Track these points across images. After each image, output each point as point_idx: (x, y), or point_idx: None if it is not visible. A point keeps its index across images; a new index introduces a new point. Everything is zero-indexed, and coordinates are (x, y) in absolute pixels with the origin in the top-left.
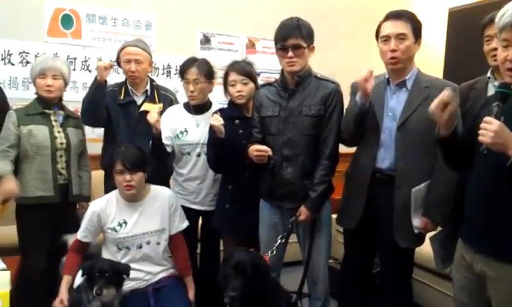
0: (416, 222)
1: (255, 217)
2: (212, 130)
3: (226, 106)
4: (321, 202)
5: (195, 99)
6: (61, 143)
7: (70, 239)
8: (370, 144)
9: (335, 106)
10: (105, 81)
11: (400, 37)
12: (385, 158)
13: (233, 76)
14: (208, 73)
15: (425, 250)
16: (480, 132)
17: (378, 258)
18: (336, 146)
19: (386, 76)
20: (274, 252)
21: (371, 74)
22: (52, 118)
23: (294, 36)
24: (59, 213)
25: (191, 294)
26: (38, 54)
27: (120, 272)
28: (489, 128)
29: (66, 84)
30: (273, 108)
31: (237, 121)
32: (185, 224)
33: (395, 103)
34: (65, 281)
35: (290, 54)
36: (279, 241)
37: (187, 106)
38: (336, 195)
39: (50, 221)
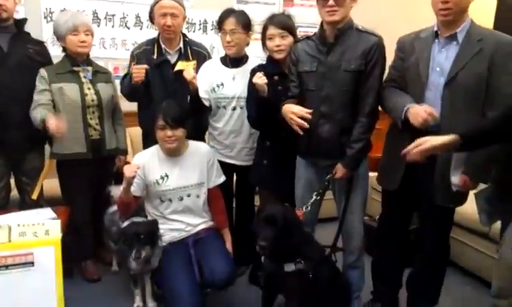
0: (455, 179)
1: (291, 173)
2: (253, 87)
3: (264, 62)
4: (358, 160)
5: (231, 50)
6: (92, 100)
7: (113, 191)
8: (415, 101)
9: (377, 61)
10: (142, 81)
11: None
12: None
13: (271, 30)
14: (245, 24)
15: (465, 209)
16: None
17: (417, 215)
18: (375, 103)
19: (435, 28)
20: (309, 208)
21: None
22: (81, 74)
23: None
24: (97, 167)
25: (228, 245)
26: (78, 11)
27: (152, 230)
28: None
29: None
30: (311, 63)
31: (275, 78)
32: (222, 178)
33: (444, 58)
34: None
35: (331, 2)
36: (314, 197)
37: (223, 60)
38: (374, 153)
39: (88, 175)
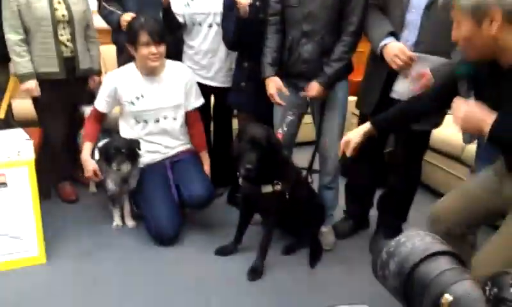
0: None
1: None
2: (231, 4)
3: None
4: (335, 79)
5: None
6: (63, 15)
7: (87, 111)
8: (394, 24)
9: None
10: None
11: None
12: (408, 40)
13: None
14: None
15: (437, 132)
16: (452, 116)
17: (394, 138)
18: (361, 22)
19: None
20: (285, 128)
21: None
22: None
23: None
24: (71, 87)
25: (206, 167)
26: None
27: (133, 147)
28: (458, 115)
29: None
30: None
31: None
32: (201, 101)
33: None
34: (87, 148)
35: None
36: (289, 117)
37: None
38: (355, 77)
39: (62, 95)
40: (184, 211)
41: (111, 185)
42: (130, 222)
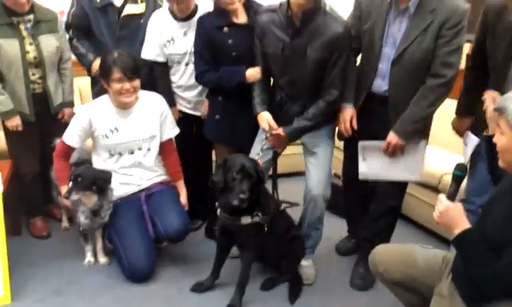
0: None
1: (246, 127)
2: (206, 44)
3: (210, 11)
4: (300, 134)
5: (183, 13)
6: (34, 57)
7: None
8: (367, 72)
9: (342, 52)
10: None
11: None
12: (382, 87)
13: None
14: None
15: None
16: (435, 209)
17: None
18: (339, 93)
19: None
20: (261, 153)
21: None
22: (22, 27)
23: None
24: (43, 123)
25: (183, 197)
26: None
27: (99, 179)
28: (438, 207)
29: None
30: (276, 44)
31: (225, 29)
32: (176, 130)
33: (397, 30)
34: (65, 191)
35: None
36: (264, 143)
37: (173, 12)
38: None
39: (35, 131)
40: (158, 245)
41: (82, 218)
42: (102, 259)
